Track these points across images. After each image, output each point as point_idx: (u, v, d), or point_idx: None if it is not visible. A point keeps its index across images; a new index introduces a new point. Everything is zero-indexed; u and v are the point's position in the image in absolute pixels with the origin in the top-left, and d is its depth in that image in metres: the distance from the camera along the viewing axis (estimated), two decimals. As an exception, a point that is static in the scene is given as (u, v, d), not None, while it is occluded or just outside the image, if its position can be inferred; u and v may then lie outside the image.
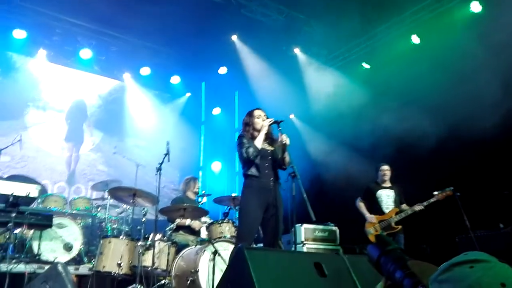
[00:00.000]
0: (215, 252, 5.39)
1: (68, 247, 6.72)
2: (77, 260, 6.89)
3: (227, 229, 6.32)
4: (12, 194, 5.14)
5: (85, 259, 6.97)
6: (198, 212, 6.40)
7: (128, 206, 7.57)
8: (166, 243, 5.95)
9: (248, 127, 4.79)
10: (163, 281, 5.61)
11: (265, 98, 10.35)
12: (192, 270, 5.52)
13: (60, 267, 3.95)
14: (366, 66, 10.10)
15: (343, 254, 3.83)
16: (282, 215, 4.57)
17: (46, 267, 4.59)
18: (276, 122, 4.64)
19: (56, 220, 6.50)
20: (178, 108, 12.44)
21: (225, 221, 6.42)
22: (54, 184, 10.40)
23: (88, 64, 11.21)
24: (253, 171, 4.55)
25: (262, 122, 4.75)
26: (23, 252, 6.19)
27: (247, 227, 4.42)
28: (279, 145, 4.69)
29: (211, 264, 5.36)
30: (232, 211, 6.78)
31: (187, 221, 6.74)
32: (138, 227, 6.56)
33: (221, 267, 5.31)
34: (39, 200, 7.24)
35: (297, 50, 10.75)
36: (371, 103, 9.27)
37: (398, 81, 8.73)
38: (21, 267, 5.36)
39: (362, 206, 7.30)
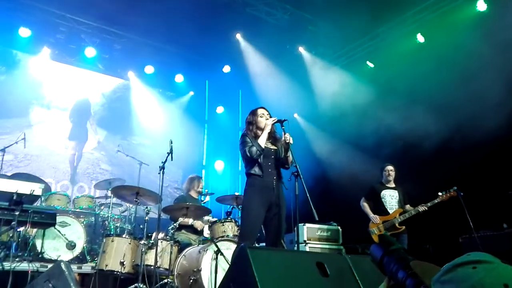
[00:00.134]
0: (218, 251, 5.37)
1: (71, 246, 6.71)
2: (80, 259, 6.87)
3: (230, 228, 6.30)
4: (16, 192, 5.11)
5: (88, 258, 6.96)
6: (201, 211, 6.38)
7: (131, 205, 7.55)
8: (168, 242, 5.94)
9: (252, 126, 4.74)
10: (165, 280, 5.59)
11: (268, 97, 10.29)
12: (195, 269, 5.50)
13: (63, 266, 3.92)
14: (370, 65, 10.05)
15: (345, 253, 3.81)
16: (285, 214, 4.54)
17: (49, 265, 4.58)
18: (280, 121, 4.59)
19: (59, 219, 6.47)
20: (181, 107, 12.38)
21: (227, 220, 6.40)
22: (57, 182, 10.40)
23: (92, 63, 11.21)
24: (256, 170, 4.51)
25: (265, 121, 4.69)
26: (26, 251, 6.16)
27: (250, 226, 4.40)
28: (282, 144, 4.65)
29: (214, 263, 5.35)
30: (235, 210, 6.77)
31: (190, 220, 6.72)
32: (141, 226, 6.56)
33: (224, 266, 5.30)
34: (42, 199, 7.21)
35: (301, 49, 10.71)
36: (375, 102, 9.20)
37: (402, 80, 8.68)
38: (24, 266, 5.30)
39: (366, 206, 7.29)
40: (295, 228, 4.62)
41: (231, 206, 6.81)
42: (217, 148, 12.66)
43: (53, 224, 5.56)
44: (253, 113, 4.83)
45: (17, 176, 7.01)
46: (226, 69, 11.79)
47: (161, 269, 5.78)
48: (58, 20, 10.22)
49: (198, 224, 6.85)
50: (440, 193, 6.68)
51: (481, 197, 6.77)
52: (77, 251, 6.80)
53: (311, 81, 10.42)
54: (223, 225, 6.34)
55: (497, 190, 6.80)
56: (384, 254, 1.64)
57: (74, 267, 6.11)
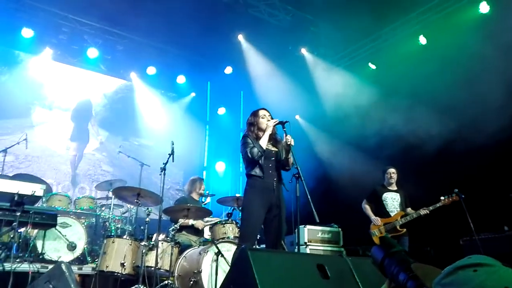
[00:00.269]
0: (218, 253, 5.36)
1: (71, 247, 6.70)
2: (80, 260, 6.86)
3: (231, 230, 6.29)
4: (17, 192, 5.08)
5: (89, 259, 6.95)
6: (202, 213, 6.37)
7: (132, 206, 7.54)
8: (169, 244, 5.93)
9: (253, 127, 4.75)
10: (166, 282, 5.58)
11: (270, 98, 10.18)
12: (195, 271, 5.49)
13: (63, 267, 3.92)
14: (372, 66, 9.98)
15: (346, 256, 3.79)
16: (285, 216, 4.54)
17: (50, 266, 4.57)
18: (281, 123, 4.61)
19: (60, 220, 6.46)
20: (183, 108, 12.32)
21: (228, 221, 6.39)
22: (58, 184, 10.36)
23: (94, 63, 11.21)
24: (256, 171, 4.52)
25: (267, 122, 4.71)
26: (27, 251, 6.13)
27: (250, 227, 4.40)
28: (283, 146, 4.67)
29: (214, 264, 5.34)
30: (236, 212, 6.75)
31: (190, 221, 6.70)
32: (142, 227, 6.55)
33: (224, 268, 5.29)
34: (43, 199, 7.20)
35: (304, 50, 10.67)
36: (378, 103, 9.15)
37: (405, 82, 8.64)
38: (24, 266, 5.25)
39: (367, 208, 7.28)
40: (296, 230, 4.53)
41: (232, 208, 6.77)
42: (218, 149, 12.59)
43: (54, 225, 5.54)
44: (255, 114, 4.84)
45: (18, 177, 6.98)
46: (228, 70, 11.74)
47: (161, 270, 5.77)
48: (60, 20, 10.23)
49: (199, 223, 6.83)
50: (442, 197, 6.66)
51: (482, 199, 6.73)
52: (78, 252, 6.79)
53: (314, 83, 10.34)
54: (224, 226, 6.33)
55: (499, 192, 6.73)
56: (385, 256, 1.64)
57: (74, 268, 6.09)
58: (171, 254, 5.82)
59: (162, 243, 5.87)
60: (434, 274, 1.35)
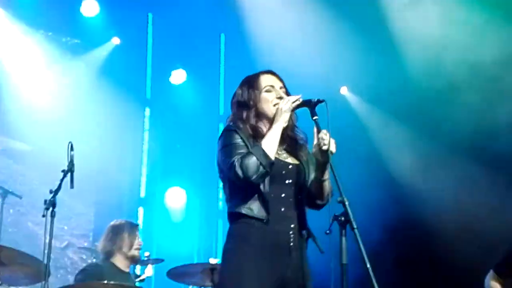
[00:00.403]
0: None
1: None
2: None
3: None
4: None
5: None
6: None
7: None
8: None
9: (247, 112, 2.75)
10: None
11: (283, 54, 6.34)
12: None
13: None
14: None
15: None
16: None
17: None
18: (308, 104, 2.61)
19: None
20: (94, 71, 7.38)
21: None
22: None
23: None
24: (253, 207, 2.60)
25: (277, 101, 2.70)
26: None
27: None
28: (313, 153, 2.69)
29: None
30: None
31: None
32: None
33: None
34: None
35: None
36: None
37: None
38: None
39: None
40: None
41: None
42: (169, 162, 7.89)
43: None
44: (251, 84, 2.81)
45: None
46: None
47: None
48: None
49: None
50: None
51: None
52: None
53: (381, 28, 6.51)
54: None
55: None
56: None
57: None
58: None
59: None
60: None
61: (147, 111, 7.60)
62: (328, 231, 2.65)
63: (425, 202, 6.12)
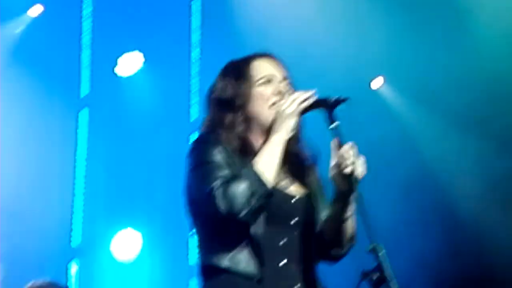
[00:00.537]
0: None
1: None
2: None
3: None
4: None
5: None
6: None
7: None
8: None
9: (232, 114, 2.25)
10: None
11: (287, 30, 5.05)
12: None
13: None
14: None
15: None
16: None
17: None
18: (324, 105, 2.11)
19: None
20: (4, 57, 5.49)
21: None
22: None
23: None
24: (240, 259, 2.08)
25: (277, 100, 2.21)
26: None
27: None
28: (333, 177, 2.15)
29: None
30: None
31: None
32: None
33: None
34: None
35: None
36: None
37: None
38: None
39: None
40: None
41: None
42: (117, 192, 5.92)
43: None
44: (238, 72, 2.32)
45: None
46: None
47: None
48: None
49: None
50: None
51: None
52: None
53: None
54: None
55: None
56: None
57: None
58: None
59: None
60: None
61: (84, 115, 5.70)
62: (357, 292, 2.49)
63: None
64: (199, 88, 5.59)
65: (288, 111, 2.06)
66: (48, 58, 5.38)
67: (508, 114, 4.68)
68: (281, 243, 2.09)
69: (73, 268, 5.78)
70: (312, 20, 5.15)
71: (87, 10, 5.48)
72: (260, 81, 2.17)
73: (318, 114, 2.01)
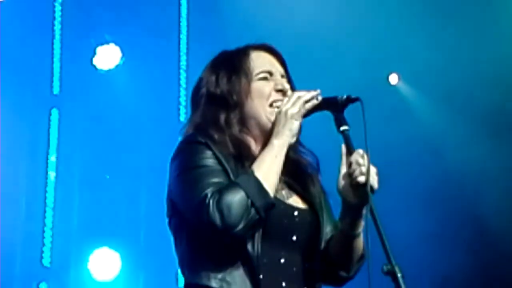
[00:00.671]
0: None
1: None
2: None
3: None
4: None
5: None
6: None
7: None
8: None
9: (225, 112, 2.12)
10: None
11: (292, 21, 4.73)
12: None
13: None
14: None
15: None
16: None
17: None
18: (332, 105, 2.01)
19: None
20: None
21: None
22: None
23: None
24: (233, 280, 1.96)
25: (278, 98, 2.10)
26: None
27: None
28: (341, 191, 2.00)
29: None
30: None
31: None
32: None
33: None
34: None
35: None
36: None
37: None
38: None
39: None
40: None
41: None
42: (93, 206, 5.25)
43: None
44: (234, 64, 2.17)
45: None
46: None
47: None
48: None
49: None
50: None
51: None
52: None
53: None
54: None
55: None
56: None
57: None
58: None
59: None
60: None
61: (54, 115, 5.06)
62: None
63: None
64: (187, 84, 4.97)
65: (292, 111, 1.92)
66: (14, 51, 4.77)
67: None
68: (281, 261, 1.99)
69: (43, 294, 5.06)
70: (321, 9, 4.78)
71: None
72: (259, 76, 2.03)
73: (319, 115, 1.94)
